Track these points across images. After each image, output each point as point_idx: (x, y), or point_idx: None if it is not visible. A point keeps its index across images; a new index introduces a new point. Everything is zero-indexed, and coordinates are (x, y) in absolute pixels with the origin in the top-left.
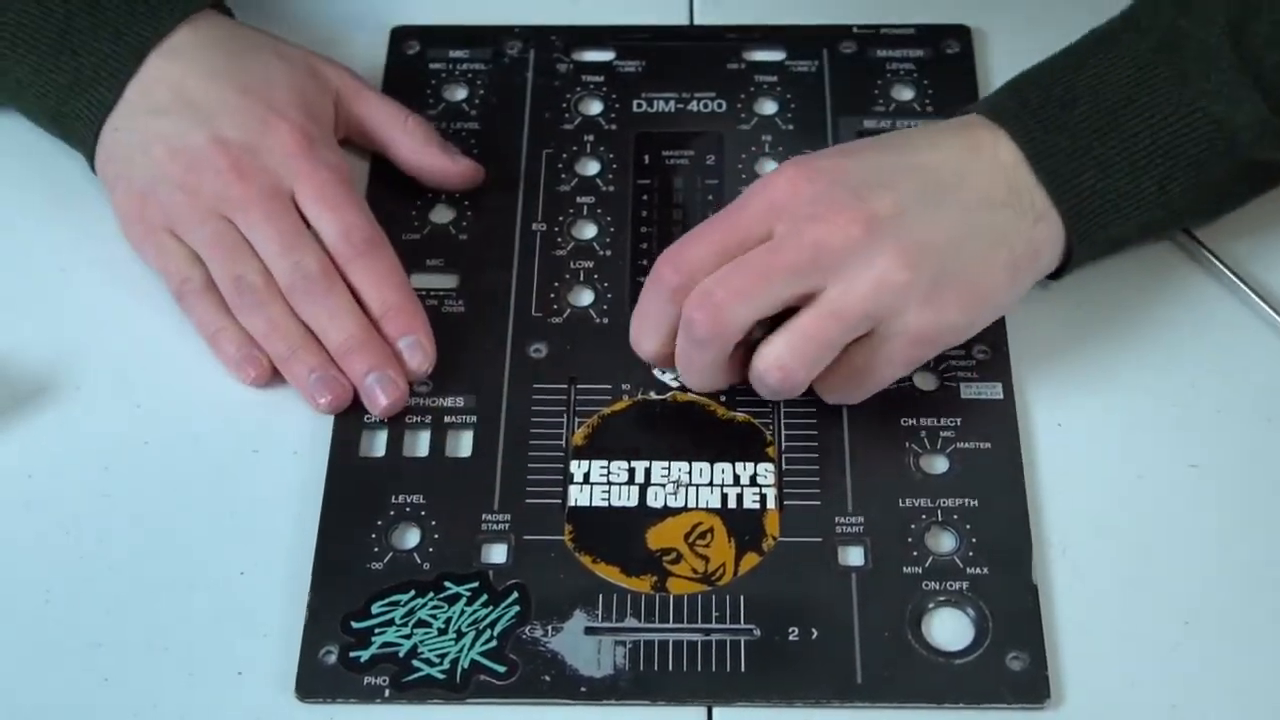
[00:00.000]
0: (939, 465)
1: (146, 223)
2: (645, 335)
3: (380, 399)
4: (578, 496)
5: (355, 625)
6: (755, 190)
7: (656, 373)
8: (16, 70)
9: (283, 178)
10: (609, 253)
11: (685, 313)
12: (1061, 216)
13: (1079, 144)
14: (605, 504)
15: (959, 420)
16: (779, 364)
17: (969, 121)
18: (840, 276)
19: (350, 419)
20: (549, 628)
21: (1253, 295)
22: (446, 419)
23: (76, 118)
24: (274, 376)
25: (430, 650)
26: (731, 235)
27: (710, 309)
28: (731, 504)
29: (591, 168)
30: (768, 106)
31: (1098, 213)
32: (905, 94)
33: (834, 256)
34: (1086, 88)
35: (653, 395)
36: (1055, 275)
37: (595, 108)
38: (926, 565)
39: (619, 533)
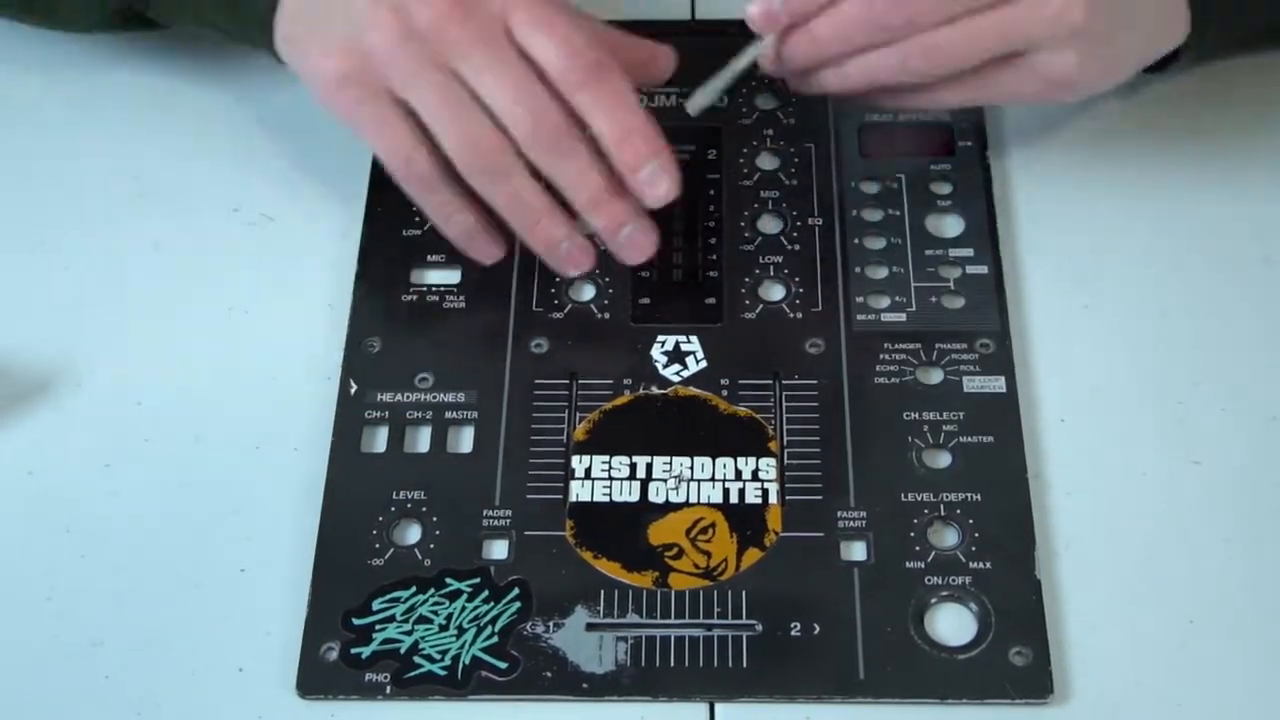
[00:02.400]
0: (942, 460)
1: (360, 84)
2: (827, 28)
3: (642, 248)
4: (579, 492)
5: (356, 622)
6: None
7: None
8: None
9: (495, 8)
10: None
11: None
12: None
13: None
14: (606, 499)
15: (962, 414)
16: (932, 54)
17: None
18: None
19: (349, 416)
20: (550, 624)
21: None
22: (447, 414)
23: None
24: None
25: (431, 647)
26: None
27: (897, 13)
28: (733, 499)
29: None
30: (769, 101)
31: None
32: None
33: None
34: None
35: (654, 390)
36: (1160, 67)
37: None
38: (929, 560)
39: (620, 528)
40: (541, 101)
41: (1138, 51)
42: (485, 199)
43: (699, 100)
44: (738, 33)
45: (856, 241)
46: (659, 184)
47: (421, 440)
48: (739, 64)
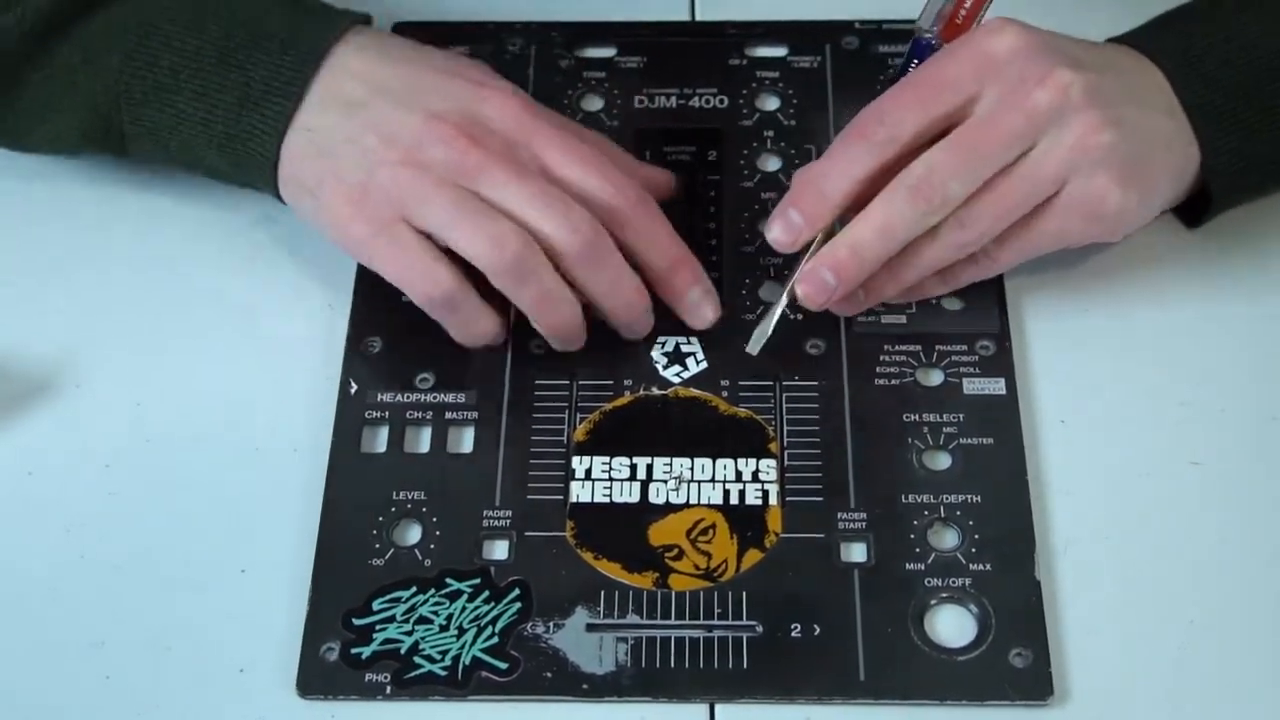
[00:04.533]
0: (942, 461)
1: (372, 218)
2: (835, 178)
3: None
4: (579, 493)
5: (356, 622)
6: (966, 45)
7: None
8: (176, 100)
9: (518, 143)
10: None
11: (904, 185)
12: (1204, 170)
13: (1231, 105)
14: (607, 500)
15: (962, 416)
16: (969, 223)
17: (1132, 52)
18: (1045, 136)
19: (350, 416)
20: (550, 624)
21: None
22: (448, 415)
23: (250, 136)
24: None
25: (431, 647)
26: (939, 93)
27: (929, 189)
28: (734, 500)
29: None
30: (769, 102)
31: (1240, 173)
32: None
33: (1044, 119)
34: (1240, 48)
35: (654, 391)
36: (1195, 222)
37: (596, 104)
38: (929, 562)
39: (621, 529)
40: (574, 212)
41: (1171, 174)
42: (510, 298)
43: (756, 343)
44: (738, 33)
45: None
46: (705, 309)
47: (422, 440)
48: (782, 302)
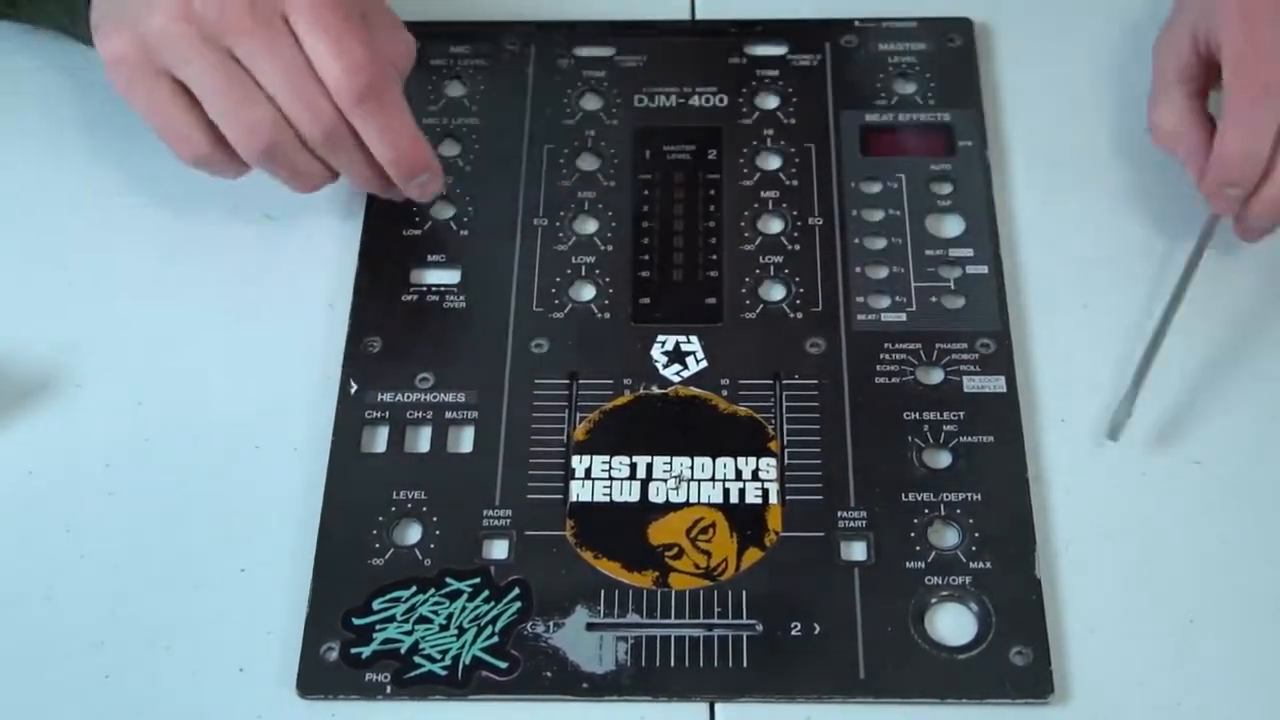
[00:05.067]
0: (942, 459)
1: (135, 64)
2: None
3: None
4: (579, 492)
5: (356, 622)
6: None
7: None
8: None
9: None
10: (610, 248)
11: None
12: None
13: None
14: (607, 499)
15: (962, 414)
16: None
17: None
18: None
19: (350, 416)
20: (550, 624)
21: None
22: (447, 414)
23: None
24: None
25: (431, 646)
26: None
27: None
28: (734, 499)
29: (592, 163)
30: (769, 101)
31: None
32: (908, 88)
33: None
34: None
35: (654, 390)
36: None
37: (596, 103)
38: (929, 560)
39: (621, 528)
40: (316, 101)
41: None
42: (267, 171)
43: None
44: (738, 32)
45: (857, 241)
46: (430, 188)
47: (422, 440)
48: (1149, 365)
